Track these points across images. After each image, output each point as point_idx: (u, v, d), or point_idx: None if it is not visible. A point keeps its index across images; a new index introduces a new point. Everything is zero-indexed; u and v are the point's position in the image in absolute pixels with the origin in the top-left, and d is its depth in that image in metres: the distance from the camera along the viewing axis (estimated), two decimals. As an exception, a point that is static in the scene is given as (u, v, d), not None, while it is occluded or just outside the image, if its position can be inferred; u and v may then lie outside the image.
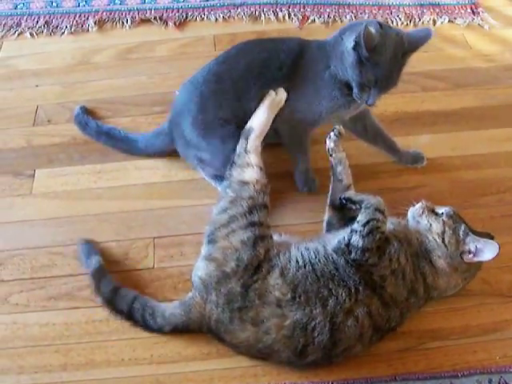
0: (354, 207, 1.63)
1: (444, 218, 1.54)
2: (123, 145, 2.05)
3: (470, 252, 1.51)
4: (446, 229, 1.52)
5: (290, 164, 1.94)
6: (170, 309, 1.59)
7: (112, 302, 1.64)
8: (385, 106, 2.16)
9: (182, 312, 1.56)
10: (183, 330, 1.58)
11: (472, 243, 1.50)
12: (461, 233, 1.52)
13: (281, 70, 1.78)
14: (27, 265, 1.78)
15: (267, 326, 1.46)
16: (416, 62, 2.31)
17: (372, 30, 1.58)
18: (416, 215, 1.58)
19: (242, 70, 1.80)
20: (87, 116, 2.11)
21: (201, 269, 1.58)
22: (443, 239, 1.52)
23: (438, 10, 2.57)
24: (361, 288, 1.47)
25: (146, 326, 1.60)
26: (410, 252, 1.52)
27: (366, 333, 1.48)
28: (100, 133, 2.07)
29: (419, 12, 2.56)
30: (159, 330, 1.60)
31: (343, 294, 1.46)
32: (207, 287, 1.53)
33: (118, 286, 1.65)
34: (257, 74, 1.79)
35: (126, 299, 1.62)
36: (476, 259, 1.51)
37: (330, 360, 1.51)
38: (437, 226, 1.54)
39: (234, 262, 1.52)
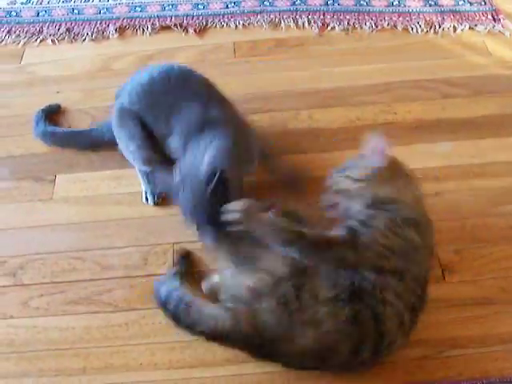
0: None
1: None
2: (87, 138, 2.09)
3: (352, 178, 1.53)
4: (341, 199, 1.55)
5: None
6: (211, 308, 1.47)
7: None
8: (404, 113, 2.16)
9: (229, 320, 1.42)
10: (225, 339, 1.46)
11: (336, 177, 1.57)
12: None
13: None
14: (48, 269, 1.80)
15: (324, 323, 1.38)
16: (436, 69, 2.32)
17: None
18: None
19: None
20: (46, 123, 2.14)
21: (246, 280, 1.46)
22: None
23: (458, 17, 2.56)
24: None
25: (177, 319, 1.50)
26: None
27: (404, 317, 1.41)
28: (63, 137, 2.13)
29: (439, 19, 2.55)
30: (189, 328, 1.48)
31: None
32: (260, 295, 1.42)
33: None
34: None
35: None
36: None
37: (379, 354, 1.44)
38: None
39: (285, 266, 1.44)
